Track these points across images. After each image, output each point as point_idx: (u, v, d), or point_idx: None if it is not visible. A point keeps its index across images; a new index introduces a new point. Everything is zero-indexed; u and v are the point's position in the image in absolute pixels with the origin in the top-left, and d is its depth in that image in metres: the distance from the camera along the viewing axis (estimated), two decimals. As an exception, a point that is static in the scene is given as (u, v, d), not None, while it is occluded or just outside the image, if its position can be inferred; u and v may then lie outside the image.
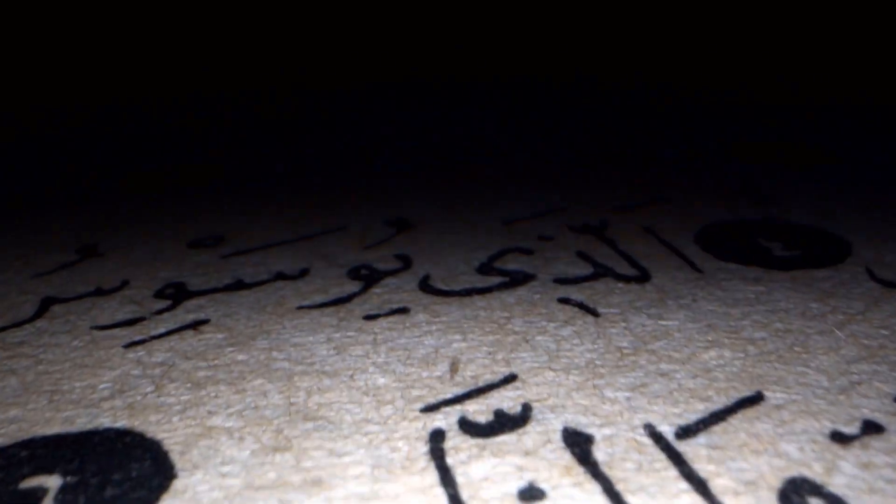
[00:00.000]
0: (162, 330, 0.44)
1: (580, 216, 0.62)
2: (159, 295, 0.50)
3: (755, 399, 0.35)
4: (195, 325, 0.45)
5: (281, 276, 0.51)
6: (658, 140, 0.92)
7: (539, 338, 0.41)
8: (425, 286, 0.48)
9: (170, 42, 1.48)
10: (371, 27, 1.59)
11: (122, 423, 0.35)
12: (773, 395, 0.35)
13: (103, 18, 1.42)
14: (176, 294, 0.50)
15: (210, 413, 0.35)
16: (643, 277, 0.49)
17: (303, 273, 0.52)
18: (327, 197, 0.71)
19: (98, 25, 1.42)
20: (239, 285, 0.50)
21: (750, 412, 0.34)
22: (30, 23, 1.38)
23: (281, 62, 1.55)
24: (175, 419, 0.35)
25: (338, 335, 0.42)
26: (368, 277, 0.50)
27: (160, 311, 0.47)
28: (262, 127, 1.13)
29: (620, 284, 0.48)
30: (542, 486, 0.29)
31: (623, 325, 0.42)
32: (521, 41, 1.60)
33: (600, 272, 0.50)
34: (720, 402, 0.34)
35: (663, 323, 0.42)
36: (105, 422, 0.35)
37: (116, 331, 0.45)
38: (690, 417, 0.33)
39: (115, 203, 0.73)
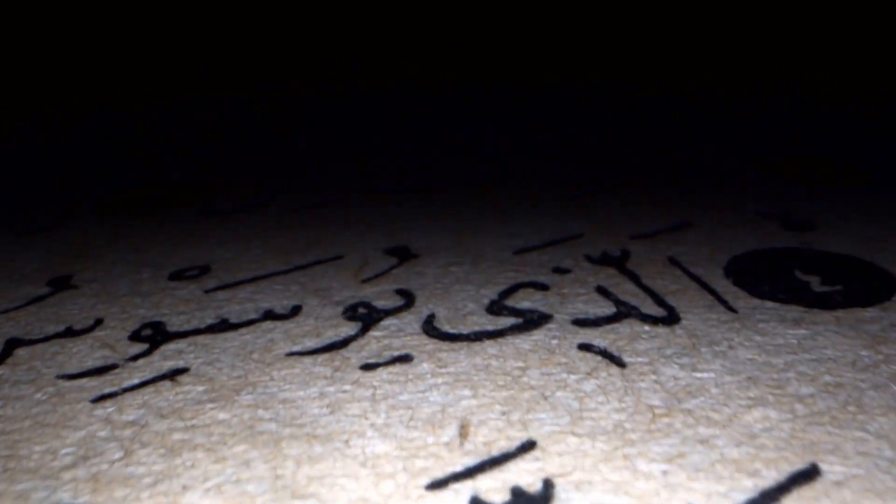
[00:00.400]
0: (135, 380, 0.41)
1: (598, 244, 0.59)
2: (135, 337, 0.46)
3: (810, 474, 0.31)
4: (173, 376, 0.41)
5: (270, 316, 0.48)
6: (677, 156, 0.89)
7: (559, 394, 0.37)
8: (430, 328, 0.45)
9: (158, 44, 1.45)
10: (369, 27, 1.56)
11: (83, 501, 0.31)
12: (830, 469, 0.31)
13: (87, 20, 1.39)
14: (153, 336, 0.46)
15: (185, 488, 0.31)
16: (671, 318, 0.46)
17: (294, 311, 0.48)
18: (323, 221, 0.67)
19: (80, 26, 1.39)
20: (223, 326, 0.47)
21: (806, 491, 0.30)
22: (4, 24, 1.35)
23: (277, 65, 1.52)
24: (144, 495, 0.31)
25: (332, 389, 0.39)
26: (367, 317, 0.47)
27: (135, 357, 0.44)
28: (255, 140, 1.10)
29: (647, 327, 0.44)
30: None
31: (653, 377, 0.39)
32: (527, 43, 1.57)
33: (623, 312, 0.46)
34: (770, 478, 0.31)
35: (698, 375, 0.39)
36: (64, 497, 0.32)
37: (85, 381, 0.41)
38: (738, 498, 0.29)
39: (93, 227, 0.70)
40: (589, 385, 0.38)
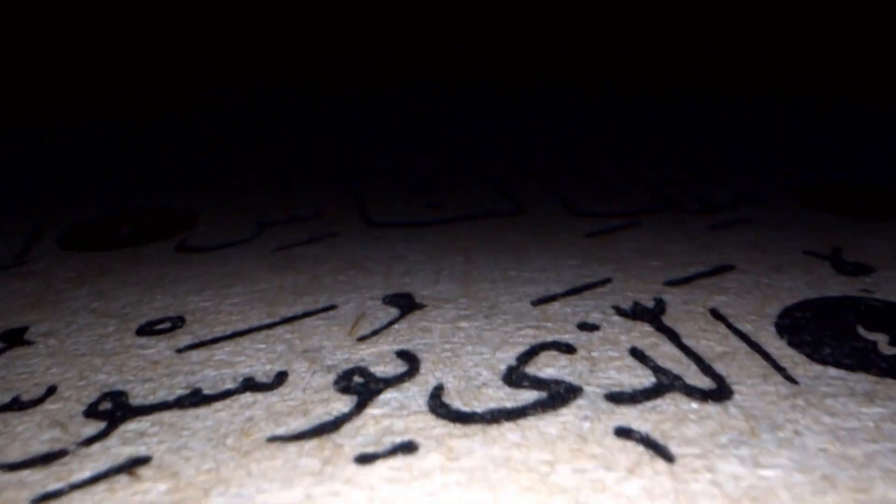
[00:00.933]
0: (87, 473, 0.36)
1: (628, 291, 0.53)
2: (91, 412, 0.41)
3: None
4: (131, 468, 0.36)
5: (251, 385, 0.43)
6: (707, 181, 0.84)
7: (598, 499, 0.32)
8: (438, 405, 0.40)
9: (138, 52, 1.40)
10: (367, 28, 1.51)
11: None
12: None
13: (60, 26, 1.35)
14: (112, 412, 0.41)
15: None
16: (722, 393, 0.40)
17: (279, 380, 0.43)
18: (313, 261, 0.62)
19: (50, 31, 1.35)
20: (195, 398, 0.42)
21: None
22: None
23: (276, 66, 1.47)
24: None
25: (320, 490, 0.33)
26: (363, 389, 0.41)
27: (89, 441, 0.38)
28: (246, 147, 1.05)
29: (694, 404, 0.39)
30: None
31: (708, 476, 0.33)
32: (536, 44, 1.52)
33: (665, 384, 0.41)
34: None
35: (763, 473, 0.33)
36: None
37: (27, 473, 0.36)
38: None
39: (56, 266, 0.65)
40: (632, 487, 0.33)
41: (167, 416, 0.40)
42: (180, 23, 1.45)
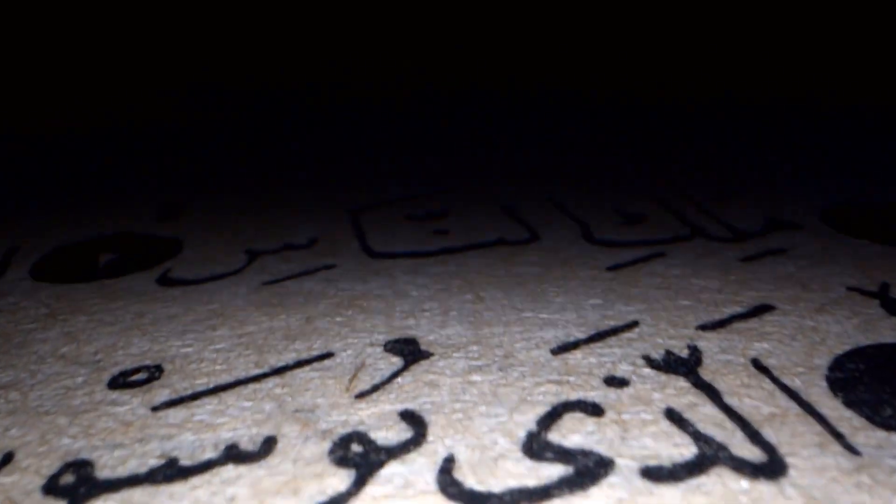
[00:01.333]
0: (40, 570, 0.31)
1: (657, 337, 0.49)
2: (51, 488, 0.37)
3: None
4: (92, 564, 0.31)
5: (234, 455, 0.38)
6: (733, 202, 0.79)
7: None
8: (448, 482, 0.35)
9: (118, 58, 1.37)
10: (368, 27, 1.48)
11: None
12: None
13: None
14: (75, 487, 0.36)
15: None
16: (775, 467, 0.36)
17: (266, 448, 0.39)
18: (308, 297, 0.58)
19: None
20: (170, 470, 0.37)
21: None
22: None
23: (276, 66, 1.44)
24: None
25: None
26: (363, 461, 0.37)
27: (45, 526, 0.34)
28: (237, 169, 1.01)
29: (744, 483, 0.35)
30: None
31: (770, 582, 0.29)
32: (540, 45, 1.48)
33: (709, 455, 0.37)
34: None
35: (834, 578, 0.29)
36: None
37: (-29, 568, 0.32)
38: None
39: (25, 301, 0.60)
40: None
41: (137, 495, 0.36)
42: (163, 28, 1.41)
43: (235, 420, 0.42)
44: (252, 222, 0.79)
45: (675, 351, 0.47)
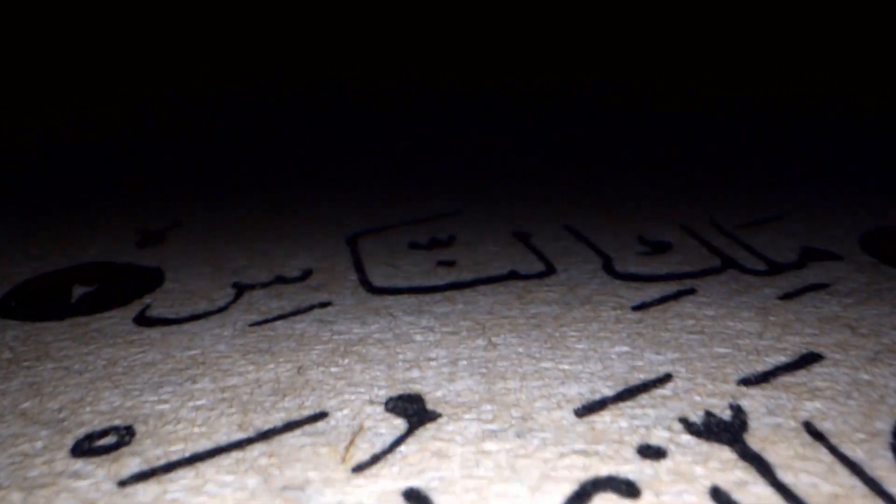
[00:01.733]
0: None
1: (694, 393, 0.45)
2: (-5, 589, 0.32)
3: None
4: None
5: (210, 547, 0.34)
6: (762, 225, 0.75)
7: None
8: (462, 588, 0.31)
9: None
10: (367, 28, 1.44)
11: None
12: None
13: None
14: (23, 589, 0.32)
15: None
16: (847, 568, 0.31)
17: (248, 538, 0.34)
18: (299, 343, 0.53)
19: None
20: (136, 567, 0.33)
21: None
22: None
23: (275, 68, 1.40)
24: None
25: None
26: (361, 557, 0.32)
27: None
28: (226, 187, 0.96)
29: (813, 590, 0.30)
30: None
31: None
32: (546, 46, 1.44)
33: (767, 552, 0.32)
34: None
35: None
36: None
37: None
38: None
39: (-14, 347, 0.56)
40: None
41: None
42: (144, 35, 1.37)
43: (214, 500, 0.37)
44: (241, 248, 0.74)
45: (717, 412, 0.43)
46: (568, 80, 1.54)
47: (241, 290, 0.63)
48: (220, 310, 0.60)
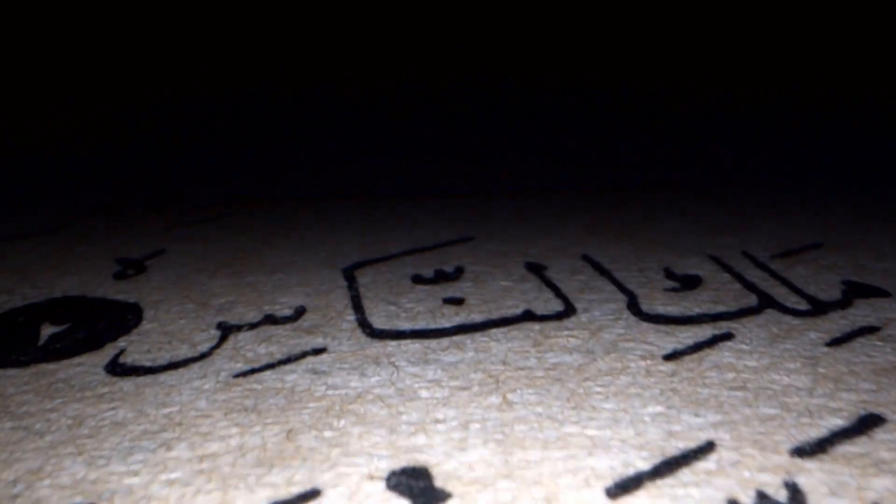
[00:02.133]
0: None
1: (743, 468, 0.40)
2: None
3: None
4: None
5: None
6: (798, 260, 0.70)
7: None
8: None
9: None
10: (367, 28, 1.40)
11: None
12: None
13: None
14: None
15: None
16: None
17: None
18: (289, 400, 0.48)
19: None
20: None
21: None
22: None
23: (276, 68, 1.36)
24: None
25: None
26: None
27: None
28: (213, 205, 0.92)
29: None
30: None
31: None
32: (552, 46, 1.40)
33: None
34: None
35: None
36: None
37: None
38: None
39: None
40: None
41: None
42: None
43: None
44: (227, 279, 0.69)
45: (770, 492, 0.38)
46: (579, 86, 1.50)
47: (225, 331, 0.59)
48: (203, 356, 0.55)
